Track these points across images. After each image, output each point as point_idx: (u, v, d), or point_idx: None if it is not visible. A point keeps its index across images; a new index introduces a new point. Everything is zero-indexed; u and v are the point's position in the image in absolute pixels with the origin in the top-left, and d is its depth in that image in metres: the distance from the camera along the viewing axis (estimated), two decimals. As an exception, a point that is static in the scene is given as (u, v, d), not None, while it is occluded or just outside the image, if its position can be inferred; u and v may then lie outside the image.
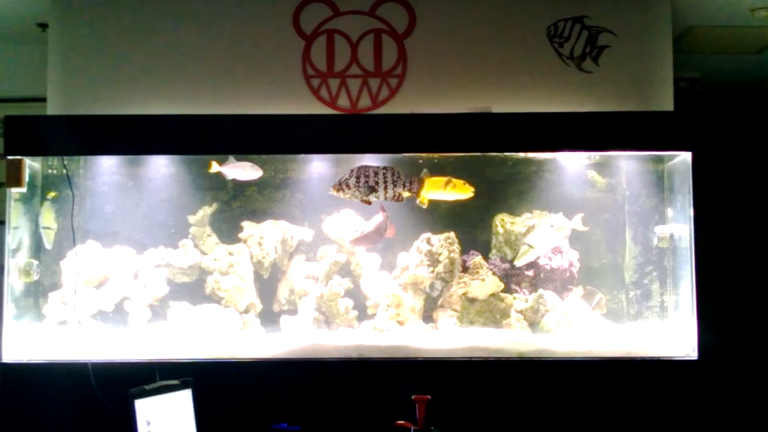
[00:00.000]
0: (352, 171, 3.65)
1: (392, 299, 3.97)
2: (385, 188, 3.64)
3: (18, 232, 3.82)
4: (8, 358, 3.60)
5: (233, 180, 3.89)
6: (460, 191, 3.82)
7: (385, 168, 3.66)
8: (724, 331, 3.59)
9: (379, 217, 3.85)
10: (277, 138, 3.73)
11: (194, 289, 4.08)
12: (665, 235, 3.96)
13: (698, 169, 3.63)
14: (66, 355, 3.62)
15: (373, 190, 3.63)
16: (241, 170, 3.85)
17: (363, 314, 4.03)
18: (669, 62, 4.40)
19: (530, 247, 3.93)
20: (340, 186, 3.66)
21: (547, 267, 4.08)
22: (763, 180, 3.66)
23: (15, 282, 3.78)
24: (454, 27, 4.42)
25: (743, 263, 3.64)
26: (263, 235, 4.11)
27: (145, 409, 3.21)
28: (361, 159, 3.88)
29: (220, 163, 3.83)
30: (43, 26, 4.56)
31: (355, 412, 3.56)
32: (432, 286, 4.03)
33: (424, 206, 3.76)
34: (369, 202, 3.67)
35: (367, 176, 3.64)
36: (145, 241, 4.09)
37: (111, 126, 3.75)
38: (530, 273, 4.10)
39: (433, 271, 4.02)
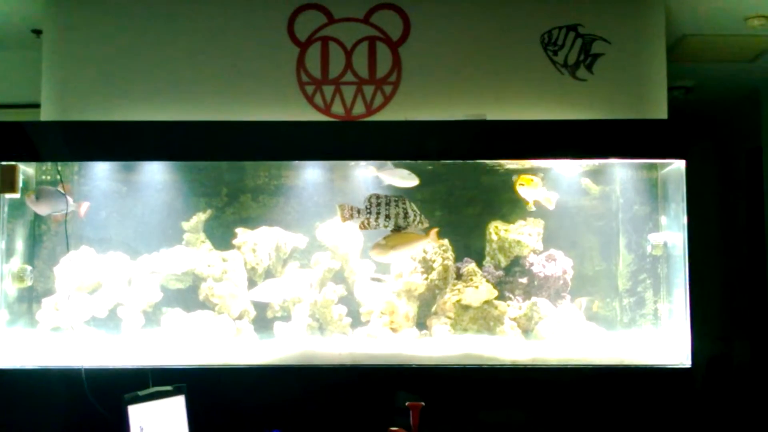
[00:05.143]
0: (371, 203, 3.56)
1: (386, 306, 3.97)
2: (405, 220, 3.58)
3: (11, 238, 3.82)
4: (1, 363, 3.59)
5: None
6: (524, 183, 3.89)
7: (398, 200, 3.58)
8: (718, 339, 3.60)
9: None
10: (271, 145, 3.73)
11: (188, 295, 4.07)
12: (659, 242, 3.97)
13: (692, 177, 3.65)
14: (59, 360, 3.61)
15: (397, 226, 3.58)
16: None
17: (357, 321, 4.03)
18: (663, 70, 4.42)
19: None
20: (364, 224, 3.56)
21: (541, 275, 4.08)
22: (757, 188, 3.67)
23: (8, 287, 3.78)
24: (449, 34, 4.43)
25: (736, 272, 3.65)
26: (257, 242, 4.10)
27: (139, 414, 3.21)
28: (355, 166, 3.89)
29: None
30: (38, 32, 4.56)
31: (348, 419, 3.56)
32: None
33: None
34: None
35: (386, 206, 3.56)
36: (139, 247, 4.08)
37: (104, 132, 3.75)
38: (524, 280, 4.11)
39: (427, 278, 4.02)
